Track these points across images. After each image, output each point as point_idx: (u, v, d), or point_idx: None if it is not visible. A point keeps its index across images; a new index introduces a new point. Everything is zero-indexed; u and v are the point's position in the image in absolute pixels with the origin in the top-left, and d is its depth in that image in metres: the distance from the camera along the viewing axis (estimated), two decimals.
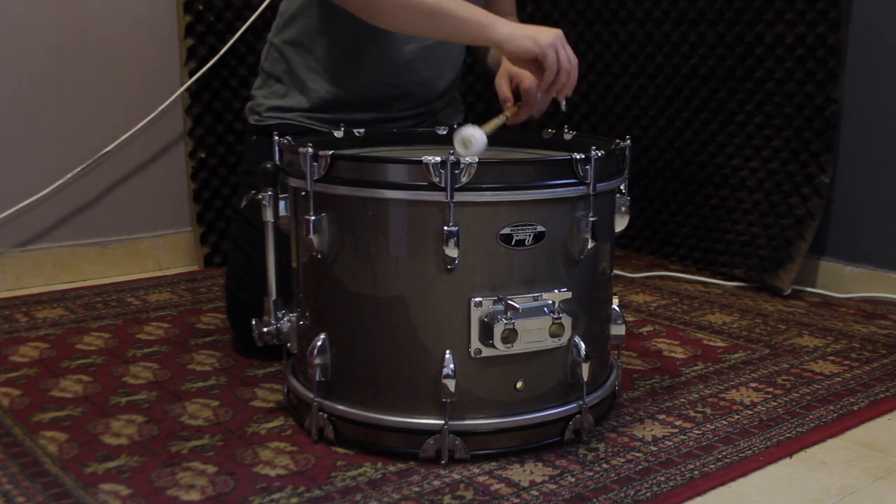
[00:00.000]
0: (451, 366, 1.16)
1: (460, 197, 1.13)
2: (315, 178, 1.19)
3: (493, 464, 1.20)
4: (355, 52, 1.59)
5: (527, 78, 1.56)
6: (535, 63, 1.40)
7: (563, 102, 1.47)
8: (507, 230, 1.16)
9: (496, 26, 1.41)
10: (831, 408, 1.40)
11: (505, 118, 1.50)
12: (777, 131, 2.09)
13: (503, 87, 1.59)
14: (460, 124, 1.38)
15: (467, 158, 1.13)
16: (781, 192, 2.09)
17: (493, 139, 1.49)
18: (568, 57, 1.40)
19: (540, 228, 1.18)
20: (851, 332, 1.78)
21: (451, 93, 1.75)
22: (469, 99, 2.46)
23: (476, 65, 2.38)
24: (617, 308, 1.35)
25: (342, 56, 1.59)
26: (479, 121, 1.37)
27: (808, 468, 1.22)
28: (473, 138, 1.31)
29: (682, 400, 1.43)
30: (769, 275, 2.07)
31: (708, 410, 1.39)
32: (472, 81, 2.48)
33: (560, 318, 1.19)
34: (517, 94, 1.57)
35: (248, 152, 1.70)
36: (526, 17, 2.35)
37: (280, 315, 1.30)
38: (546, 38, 1.39)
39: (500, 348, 1.16)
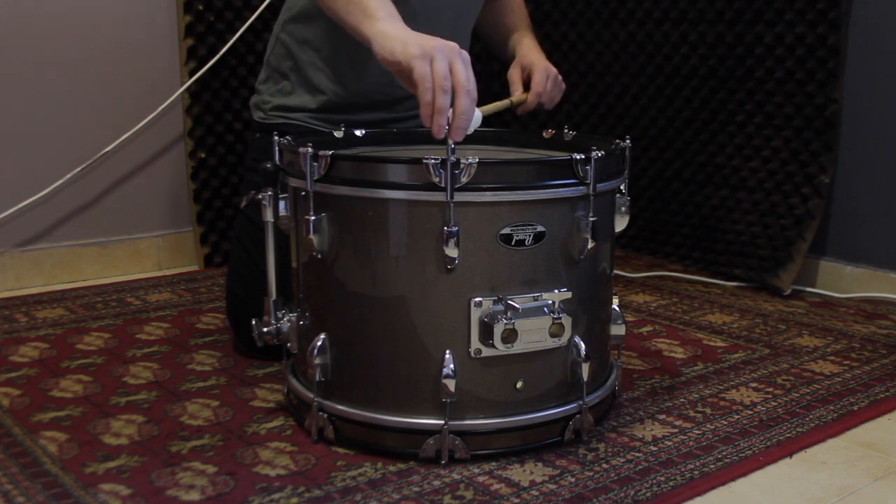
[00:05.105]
0: (451, 366, 1.16)
1: (460, 197, 1.13)
2: (315, 178, 1.19)
3: (493, 464, 1.19)
4: (363, 52, 1.57)
5: (538, 69, 1.55)
6: (406, 75, 1.18)
7: (450, 143, 1.11)
8: (507, 230, 1.16)
9: (379, 21, 1.20)
10: (831, 408, 1.40)
11: (510, 102, 1.49)
12: (777, 131, 2.09)
13: (514, 75, 1.58)
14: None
15: (467, 158, 1.13)
16: (781, 192, 2.09)
17: (493, 139, 1.50)
18: (445, 74, 1.12)
19: (540, 228, 1.18)
20: (851, 332, 1.78)
21: None
22: None
23: (483, 54, 2.39)
24: (617, 308, 1.35)
25: (350, 56, 1.58)
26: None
27: (808, 468, 1.22)
28: None
29: (682, 400, 1.43)
30: (769, 275, 2.07)
31: (708, 410, 1.38)
32: None
33: (560, 318, 1.19)
34: (528, 84, 1.57)
35: (252, 149, 1.70)
36: None
37: (280, 315, 1.30)
38: (417, 47, 1.14)
39: (500, 348, 1.16)
